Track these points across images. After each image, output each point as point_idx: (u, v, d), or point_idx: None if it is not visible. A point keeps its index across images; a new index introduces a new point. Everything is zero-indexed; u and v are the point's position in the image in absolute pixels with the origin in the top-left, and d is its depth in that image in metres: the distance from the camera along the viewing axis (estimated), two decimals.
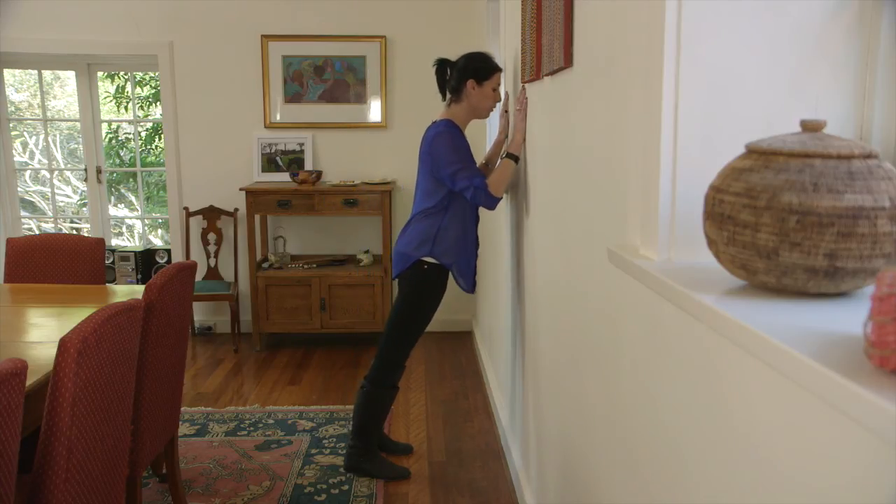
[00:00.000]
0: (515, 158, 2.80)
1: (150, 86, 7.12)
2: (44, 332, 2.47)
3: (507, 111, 3.11)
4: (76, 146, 6.98)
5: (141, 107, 7.24)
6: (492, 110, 2.96)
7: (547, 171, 2.33)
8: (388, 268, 4.63)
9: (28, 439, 1.77)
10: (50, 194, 5.92)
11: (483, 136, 4.34)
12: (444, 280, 2.94)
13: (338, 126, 4.94)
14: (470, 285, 2.99)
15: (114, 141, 7.43)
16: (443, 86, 2.96)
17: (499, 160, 2.98)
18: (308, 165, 4.93)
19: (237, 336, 4.83)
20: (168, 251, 5.10)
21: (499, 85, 2.91)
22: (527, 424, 2.77)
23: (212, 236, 4.96)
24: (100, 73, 5.19)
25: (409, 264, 2.88)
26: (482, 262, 4.53)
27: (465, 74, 2.87)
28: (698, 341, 1.06)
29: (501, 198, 2.79)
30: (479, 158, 3.24)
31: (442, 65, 2.95)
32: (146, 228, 6.78)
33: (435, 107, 4.67)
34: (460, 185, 2.75)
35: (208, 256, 4.97)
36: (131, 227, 7.57)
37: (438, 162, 2.80)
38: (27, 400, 1.67)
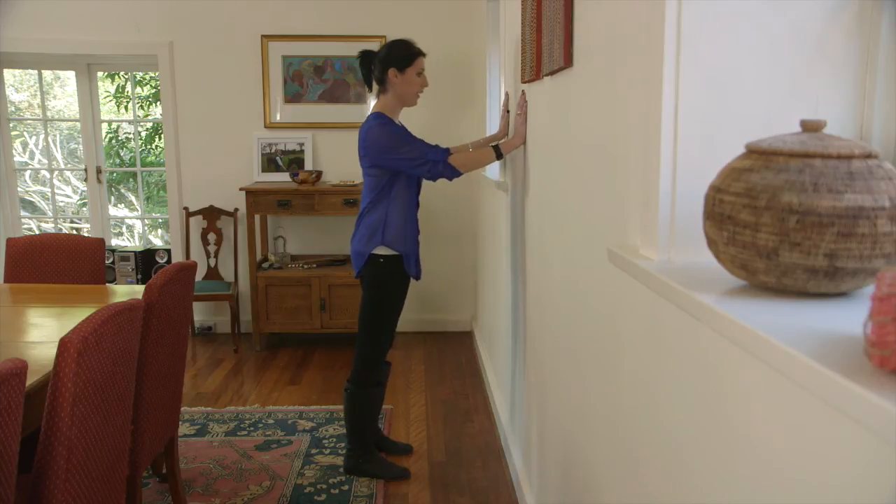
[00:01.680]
0: (499, 155, 2.81)
1: (151, 85, 7.12)
2: (44, 332, 2.47)
3: (507, 111, 3.11)
4: (76, 146, 6.98)
5: (141, 106, 7.24)
6: (419, 95, 2.92)
7: (547, 172, 2.33)
8: None
9: (28, 439, 1.77)
10: (50, 194, 5.92)
11: (483, 137, 4.33)
12: (402, 268, 2.92)
13: (338, 126, 4.94)
14: (417, 272, 2.98)
15: (114, 141, 7.43)
16: (368, 78, 2.95)
17: (484, 147, 2.98)
18: (308, 165, 4.93)
19: (237, 336, 4.83)
20: (168, 251, 5.10)
21: (423, 69, 2.88)
22: (527, 424, 2.77)
23: (212, 236, 4.96)
24: (100, 73, 5.19)
25: (365, 260, 2.88)
26: (483, 262, 4.53)
27: (387, 64, 2.85)
28: (698, 341, 1.06)
29: (462, 173, 2.80)
30: (468, 143, 3.23)
31: (366, 56, 2.93)
32: (146, 228, 6.78)
33: (435, 106, 4.70)
34: (413, 164, 2.75)
35: (208, 256, 4.97)
36: (131, 227, 7.57)
37: (379, 154, 2.78)
38: (27, 400, 1.67)
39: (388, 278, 2.90)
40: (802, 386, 0.74)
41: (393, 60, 2.84)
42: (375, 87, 2.93)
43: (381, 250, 2.86)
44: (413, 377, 4.23)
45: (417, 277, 3.00)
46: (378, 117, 2.84)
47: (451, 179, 2.85)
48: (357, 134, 2.94)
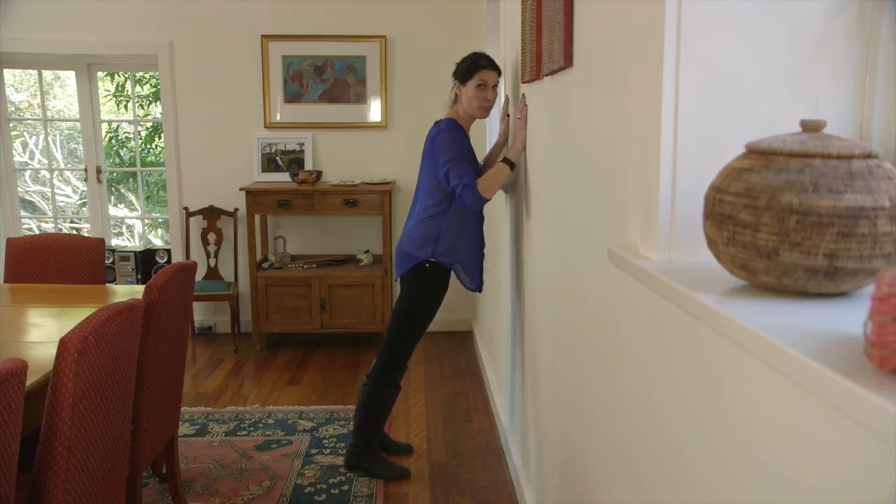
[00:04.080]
0: (512, 164, 2.80)
1: (150, 84, 7.12)
2: (44, 332, 2.47)
3: (507, 115, 3.11)
4: (76, 146, 6.98)
5: (141, 105, 7.24)
6: (483, 107, 2.91)
7: (547, 171, 2.33)
8: (389, 267, 4.63)
9: (28, 439, 1.77)
10: (50, 194, 5.93)
11: (483, 137, 4.33)
12: (447, 278, 2.94)
13: (338, 126, 4.94)
14: (477, 284, 3.00)
15: (114, 140, 7.43)
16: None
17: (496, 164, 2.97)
18: (308, 165, 4.93)
19: (237, 336, 4.83)
20: (168, 251, 5.10)
21: (483, 82, 2.87)
22: (527, 424, 2.77)
23: (212, 236, 4.96)
24: (100, 73, 5.19)
25: (413, 265, 2.89)
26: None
27: (454, 75, 2.93)
28: (698, 341, 1.06)
29: (489, 199, 2.78)
30: (480, 160, 3.25)
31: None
32: (146, 228, 6.78)
33: (434, 107, 4.69)
34: (452, 182, 2.75)
35: (208, 256, 4.97)
36: (131, 227, 7.57)
37: (436, 159, 2.81)
38: (27, 400, 1.67)
39: (431, 285, 2.92)
40: (802, 386, 0.74)
41: (457, 72, 2.92)
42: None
43: (431, 259, 2.88)
44: (413, 377, 4.23)
45: (478, 290, 3.02)
46: (449, 123, 2.87)
47: (478, 209, 2.85)
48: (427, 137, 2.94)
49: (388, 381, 3.00)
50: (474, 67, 2.88)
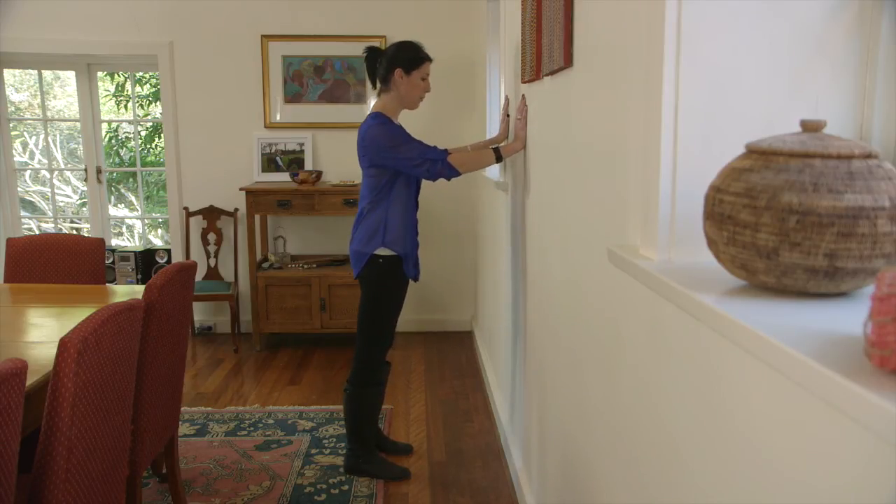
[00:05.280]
0: (499, 157, 2.80)
1: (150, 84, 7.12)
2: (44, 332, 2.47)
3: (507, 115, 3.11)
4: (76, 146, 6.98)
5: (141, 105, 7.24)
6: (421, 100, 2.93)
7: (547, 171, 2.33)
8: None
9: (28, 439, 1.77)
10: (50, 194, 5.92)
11: (482, 139, 4.33)
12: (401, 268, 2.92)
13: (338, 126, 4.94)
14: (416, 273, 2.98)
15: (113, 140, 7.43)
16: (372, 75, 2.95)
17: (484, 149, 2.97)
18: (308, 165, 4.93)
19: (237, 336, 4.83)
20: (168, 251, 5.10)
21: (428, 75, 2.89)
22: (527, 424, 2.77)
23: (212, 236, 4.96)
24: (99, 73, 5.19)
25: (366, 261, 2.88)
26: (483, 262, 4.53)
27: (394, 63, 2.85)
28: (698, 341, 1.06)
29: (460, 173, 2.80)
30: (468, 144, 3.26)
31: (372, 53, 2.93)
32: (146, 228, 6.78)
33: (434, 107, 4.70)
34: (412, 163, 2.74)
35: (208, 256, 4.97)
36: (131, 227, 7.57)
37: (377, 152, 2.78)
38: (27, 400, 1.67)
39: (387, 278, 2.90)
40: (802, 386, 0.74)
41: (400, 61, 2.85)
42: (378, 85, 2.93)
43: (381, 251, 2.86)
44: (413, 377, 4.24)
45: (416, 279, 3.00)
46: (377, 117, 2.84)
47: (449, 179, 2.84)
48: (357, 133, 2.94)
49: (367, 382, 3.00)
50: (421, 57, 2.87)
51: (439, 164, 2.75)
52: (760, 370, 0.87)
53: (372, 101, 4.92)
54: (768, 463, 0.86)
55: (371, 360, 2.98)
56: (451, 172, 2.79)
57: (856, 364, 0.69)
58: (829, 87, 1.13)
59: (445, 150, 2.83)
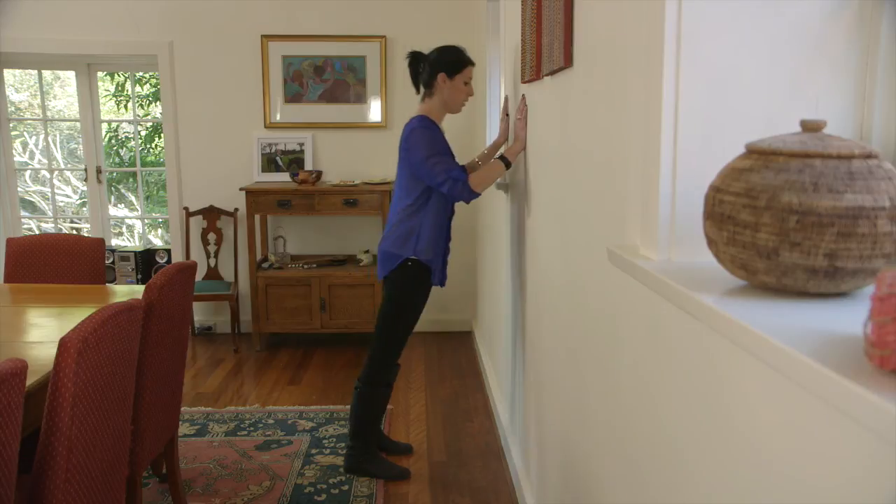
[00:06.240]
0: (508, 163, 2.80)
1: (150, 84, 7.12)
2: (44, 332, 2.47)
3: (507, 114, 3.11)
4: (76, 146, 6.98)
5: (141, 105, 7.24)
6: (464, 104, 2.94)
7: (547, 171, 2.33)
8: None
9: (28, 439, 1.77)
10: (50, 194, 5.92)
11: (483, 138, 4.33)
12: (429, 276, 2.93)
13: (338, 126, 4.94)
14: (441, 279, 3.00)
15: (113, 140, 7.43)
16: (416, 79, 2.95)
17: (492, 160, 2.98)
18: (308, 165, 4.93)
19: (237, 336, 4.83)
20: (168, 251, 5.10)
21: (470, 79, 2.90)
22: (527, 424, 2.77)
23: (212, 236, 4.96)
24: (100, 73, 5.19)
25: (396, 264, 2.88)
26: (483, 262, 4.53)
27: (437, 68, 2.86)
28: (698, 341, 1.06)
29: (479, 194, 2.80)
30: (475, 156, 3.26)
31: (415, 58, 2.93)
32: (146, 228, 6.78)
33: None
34: (437, 179, 2.74)
35: (208, 256, 4.97)
36: (131, 227, 7.57)
37: (414, 158, 2.79)
38: (27, 400, 1.67)
39: (414, 282, 2.91)
40: (802, 386, 0.74)
41: (443, 65, 2.86)
42: (422, 90, 2.94)
43: (412, 256, 2.87)
44: (413, 377, 4.24)
45: (441, 284, 3.02)
46: (422, 120, 2.84)
47: (467, 202, 2.85)
48: (392, 135, 2.93)
49: (378, 382, 3.00)
50: (462, 62, 2.87)
51: (460, 184, 2.74)
52: (760, 370, 0.87)
53: (372, 102, 4.93)
54: (768, 463, 0.86)
55: (386, 361, 3.00)
56: (470, 196, 2.79)
57: (856, 364, 0.69)
58: (829, 87, 1.13)
59: (465, 171, 2.82)
